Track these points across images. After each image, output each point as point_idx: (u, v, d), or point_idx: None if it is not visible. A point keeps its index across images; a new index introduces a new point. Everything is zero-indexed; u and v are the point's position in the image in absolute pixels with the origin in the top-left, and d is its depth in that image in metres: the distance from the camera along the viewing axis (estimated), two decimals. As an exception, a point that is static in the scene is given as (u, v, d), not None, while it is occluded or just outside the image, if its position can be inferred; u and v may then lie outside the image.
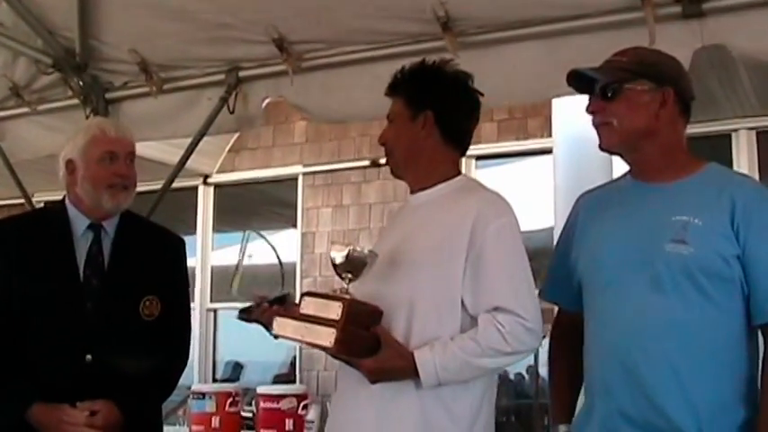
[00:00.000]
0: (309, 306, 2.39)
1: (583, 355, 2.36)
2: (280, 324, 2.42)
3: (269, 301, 2.50)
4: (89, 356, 2.72)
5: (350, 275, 2.36)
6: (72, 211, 2.87)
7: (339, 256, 2.36)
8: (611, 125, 2.28)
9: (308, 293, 2.45)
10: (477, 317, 2.33)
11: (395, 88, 2.57)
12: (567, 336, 2.48)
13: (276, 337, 2.45)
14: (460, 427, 2.36)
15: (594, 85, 2.31)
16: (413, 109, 2.51)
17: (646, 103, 2.26)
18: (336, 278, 2.42)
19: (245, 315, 2.55)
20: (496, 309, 2.31)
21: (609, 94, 2.27)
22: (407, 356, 2.30)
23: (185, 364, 3.00)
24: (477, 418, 2.39)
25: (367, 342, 2.31)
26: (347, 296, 2.33)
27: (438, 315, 2.36)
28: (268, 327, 2.49)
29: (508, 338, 2.28)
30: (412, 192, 2.59)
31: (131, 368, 2.69)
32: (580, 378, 2.38)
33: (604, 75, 2.30)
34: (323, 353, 2.60)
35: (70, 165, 2.87)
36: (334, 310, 2.27)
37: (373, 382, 2.33)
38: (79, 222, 2.86)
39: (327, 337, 2.25)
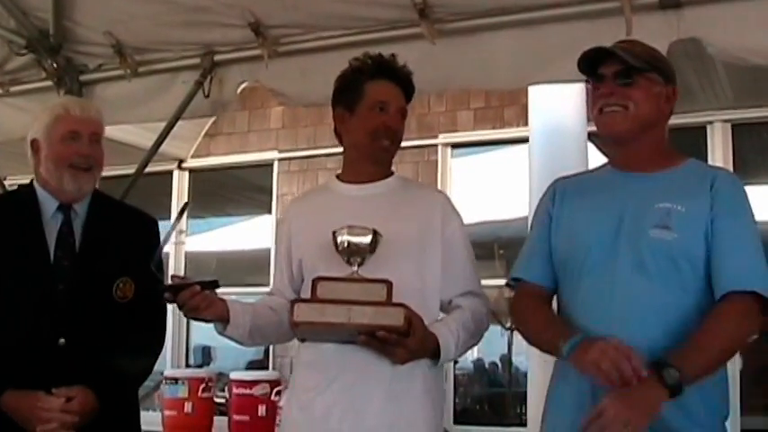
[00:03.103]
0: (334, 290, 2.38)
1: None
2: (302, 310, 2.37)
3: (201, 284, 2.40)
4: (62, 340, 2.66)
5: (359, 260, 2.40)
6: (41, 192, 2.80)
7: (363, 240, 2.39)
8: (626, 110, 2.28)
9: (321, 278, 2.43)
10: (445, 300, 2.56)
11: None
12: (533, 298, 2.40)
13: (296, 324, 2.38)
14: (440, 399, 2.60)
15: (599, 68, 2.31)
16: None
17: (656, 94, 2.30)
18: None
19: (171, 296, 2.40)
20: (469, 293, 2.57)
21: (629, 80, 2.28)
22: (432, 336, 2.43)
23: (161, 347, 2.93)
24: None
25: None
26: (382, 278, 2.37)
27: (428, 301, 2.51)
28: (195, 311, 2.42)
29: (486, 318, 2.60)
30: (346, 182, 2.76)
31: (106, 352, 2.64)
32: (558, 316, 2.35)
33: (632, 59, 2.29)
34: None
35: (35, 144, 2.81)
36: (377, 292, 2.35)
37: (405, 362, 2.40)
38: (48, 204, 2.78)
39: (395, 316, 2.31)
